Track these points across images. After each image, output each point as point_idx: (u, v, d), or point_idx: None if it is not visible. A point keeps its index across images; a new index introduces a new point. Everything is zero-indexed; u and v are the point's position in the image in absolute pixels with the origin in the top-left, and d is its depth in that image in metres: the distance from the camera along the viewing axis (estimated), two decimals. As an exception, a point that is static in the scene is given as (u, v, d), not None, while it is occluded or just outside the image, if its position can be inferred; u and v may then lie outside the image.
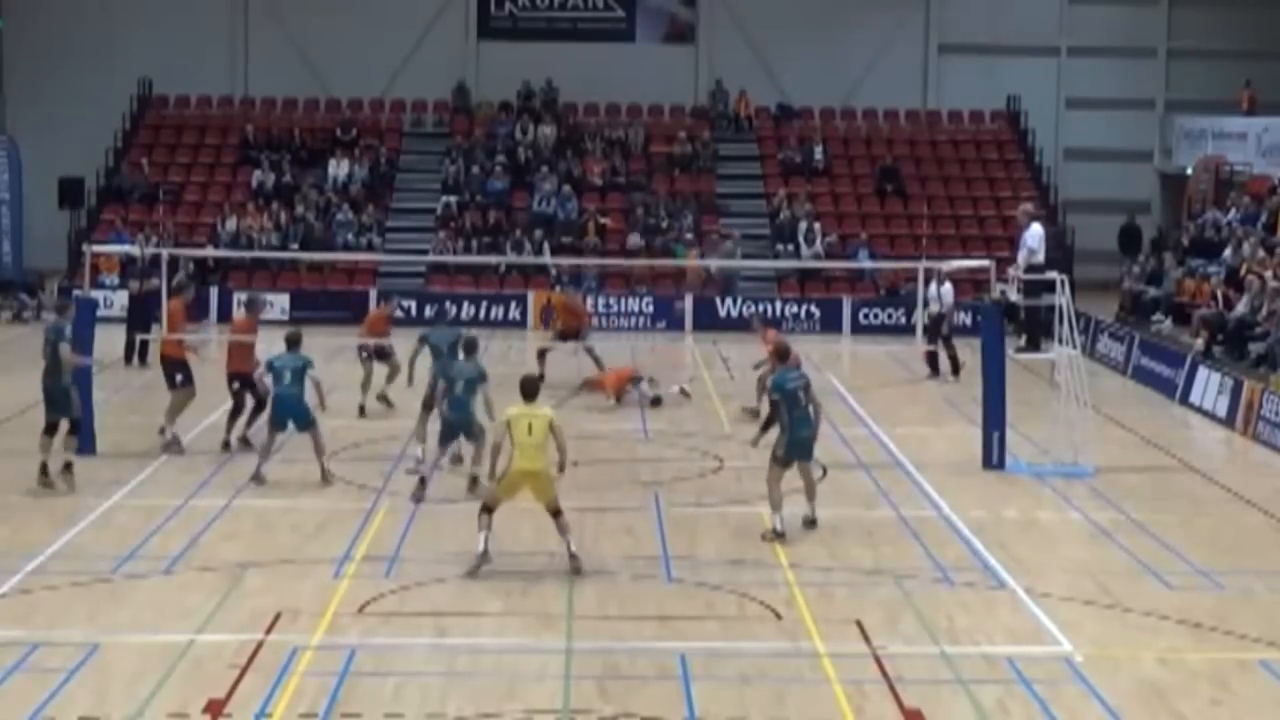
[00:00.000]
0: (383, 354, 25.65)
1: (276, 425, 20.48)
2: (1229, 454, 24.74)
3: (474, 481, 19.57)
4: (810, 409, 18.12)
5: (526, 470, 16.18)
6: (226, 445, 22.16)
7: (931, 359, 30.42)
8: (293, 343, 20.97)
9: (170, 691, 12.81)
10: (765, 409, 22.09)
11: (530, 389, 16.67)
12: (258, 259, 37.72)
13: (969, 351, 28.90)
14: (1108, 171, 45.77)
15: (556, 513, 16.35)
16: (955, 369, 30.43)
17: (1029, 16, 46.45)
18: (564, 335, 29.37)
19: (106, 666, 13.39)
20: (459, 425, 19.65)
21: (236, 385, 22.34)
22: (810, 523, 18.19)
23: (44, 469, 19.66)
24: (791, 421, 17.94)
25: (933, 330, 30.21)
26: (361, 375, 25.44)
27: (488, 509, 16.32)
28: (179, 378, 22.38)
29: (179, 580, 16.02)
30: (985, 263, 24.69)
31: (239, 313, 23.37)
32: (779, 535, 17.67)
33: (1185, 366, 28.62)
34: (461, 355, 20.39)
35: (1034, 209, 26.24)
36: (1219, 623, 15.16)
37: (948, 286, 31.14)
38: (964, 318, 36.70)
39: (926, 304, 30.74)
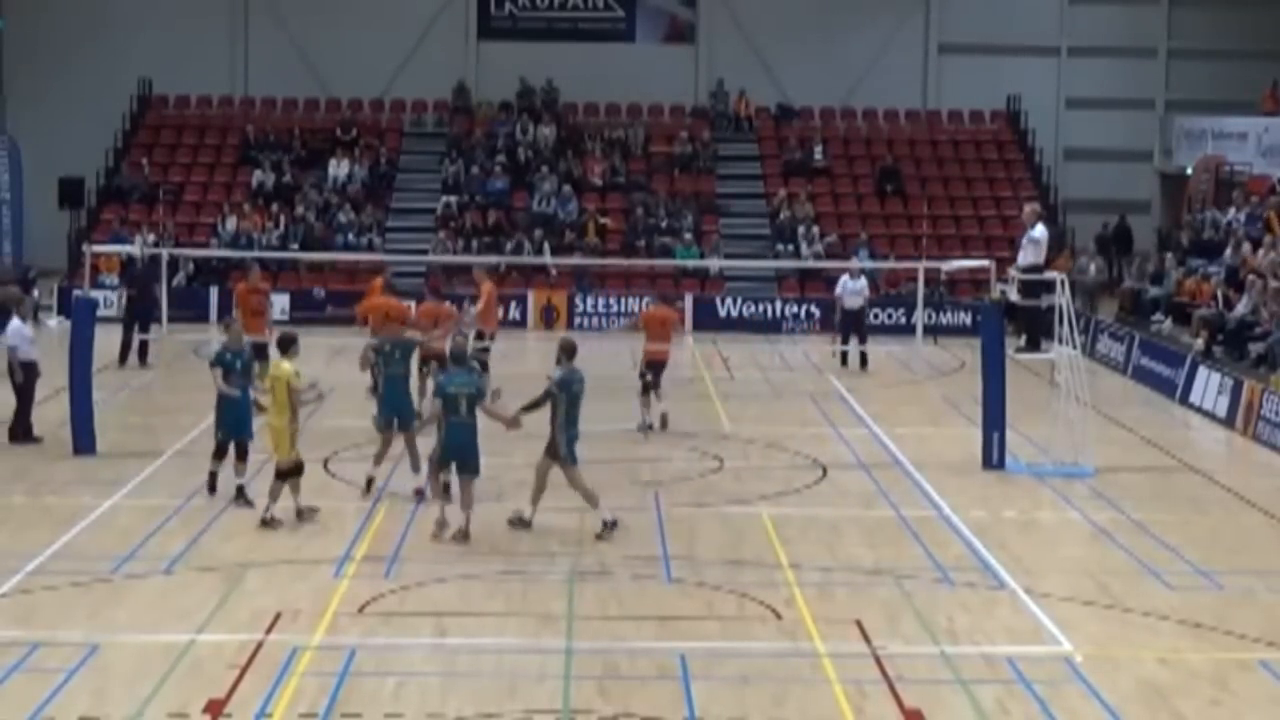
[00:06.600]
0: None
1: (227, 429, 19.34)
2: (1229, 454, 24.73)
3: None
4: None
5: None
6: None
7: (845, 355, 31.08)
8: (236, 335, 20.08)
9: (170, 691, 12.82)
10: None
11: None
12: (258, 259, 37.61)
13: (969, 352, 28.90)
14: (1108, 171, 45.69)
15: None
16: (864, 363, 31.15)
17: (1029, 16, 46.35)
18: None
19: (106, 666, 13.40)
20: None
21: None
22: None
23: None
24: None
25: (850, 327, 30.76)
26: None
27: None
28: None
29: (179, 580, 16.03)
30: (985, 263, 24.69)
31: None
32: None
33: (1185, 366, 28.61)
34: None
35: (1040, 209, 26.23)
36: (1219, 623, 15.15)
37: (862, 281, 31.27)
38: (964, 317, 36.87)
39: (840, 299, 31.07)
